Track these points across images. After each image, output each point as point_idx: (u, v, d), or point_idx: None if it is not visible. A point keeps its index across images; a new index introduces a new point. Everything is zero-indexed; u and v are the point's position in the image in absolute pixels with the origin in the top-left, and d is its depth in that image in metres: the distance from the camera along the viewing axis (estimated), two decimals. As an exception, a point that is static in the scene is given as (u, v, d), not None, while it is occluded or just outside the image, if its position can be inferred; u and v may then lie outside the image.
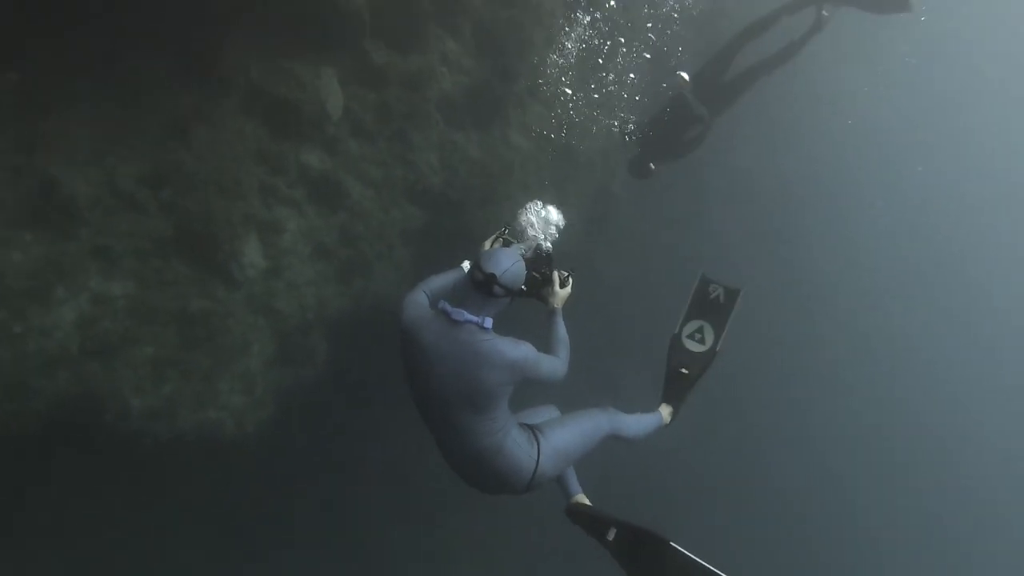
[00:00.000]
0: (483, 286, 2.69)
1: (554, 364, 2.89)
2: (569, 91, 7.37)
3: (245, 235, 5.23)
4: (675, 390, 3.80)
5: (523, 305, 3.12)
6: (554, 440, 2.96)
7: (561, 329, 3.09)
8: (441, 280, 3.10)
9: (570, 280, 3.21)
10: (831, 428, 15.45)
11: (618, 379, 9.95)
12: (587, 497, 3.39)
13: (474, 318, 2.68)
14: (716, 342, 3.84)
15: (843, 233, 16.50)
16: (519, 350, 2.67)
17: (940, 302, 19.90)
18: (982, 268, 21.64)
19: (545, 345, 3.00)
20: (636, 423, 3.45)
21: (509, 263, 2.73)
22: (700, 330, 3.88)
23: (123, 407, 4.97)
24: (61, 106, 4.69)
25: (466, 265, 3.24)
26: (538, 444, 2.89)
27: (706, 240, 12.32)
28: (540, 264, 3.11)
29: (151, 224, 4.95)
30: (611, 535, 2.92)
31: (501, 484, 2.86)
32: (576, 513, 3.21)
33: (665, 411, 3.80)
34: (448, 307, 2.73)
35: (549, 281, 3.15)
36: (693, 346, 3.85)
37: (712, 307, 3.92)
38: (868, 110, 15.55)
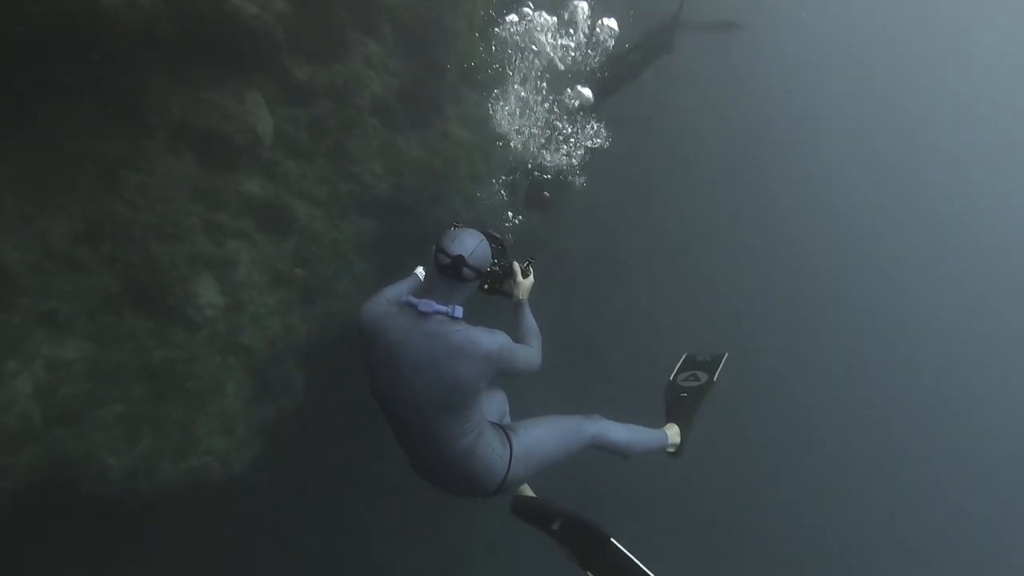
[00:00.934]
0: (450, 269, 2.48)
1: (529, 353, 2.75)
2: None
3: (196, 276, 5.09)
4: (679, 413, 3.64)
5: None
6: (527, 442, 2.81)
7: (530, 319, 2.97)
8: (397, 289, 2.86)
9: (531, 269, 3.06)
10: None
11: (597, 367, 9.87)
12: (531, 488, 3.28)
13: (443, 307, 2.50)
14: (713, 375, 3.77)
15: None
16: (495, 339, 2.50)
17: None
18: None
19: (515, 338, 2.85)
20: (628, 432, 3.21)
21: (475, 242, 2.54)
22: (694, 376, 3.84)
23: (100, 470, 4.82)
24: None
25: (420, 271, 3.07)
26: (510, 445, 2.76)
27: (669, 211, 12.39)
28: (497, 256, 2.91)
29: (95, 281, 4.79)
30: (555, 525, 2.88)
31: (471, 488, 2.73)
32: (521, 507, 3.07)
33: (671, 431, 3.52)
34: (413, 299, 2.53)
35: (511, 273, 2.99)
36: (689, 383, 3.79)
37: (701, 365, 3.92)
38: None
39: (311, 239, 5.78)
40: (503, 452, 2.72)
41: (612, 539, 2.83)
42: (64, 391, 4.69)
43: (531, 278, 3.04)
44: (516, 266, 3.01)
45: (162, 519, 5.47)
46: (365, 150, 6.07)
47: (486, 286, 2.91)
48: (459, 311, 2.54)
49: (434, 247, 2.55)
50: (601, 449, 3.13)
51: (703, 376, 3.77)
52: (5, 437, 4.50)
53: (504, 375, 2.64)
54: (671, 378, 3.88)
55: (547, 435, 2.91)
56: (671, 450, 3.47)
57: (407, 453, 2.75)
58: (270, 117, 5.41)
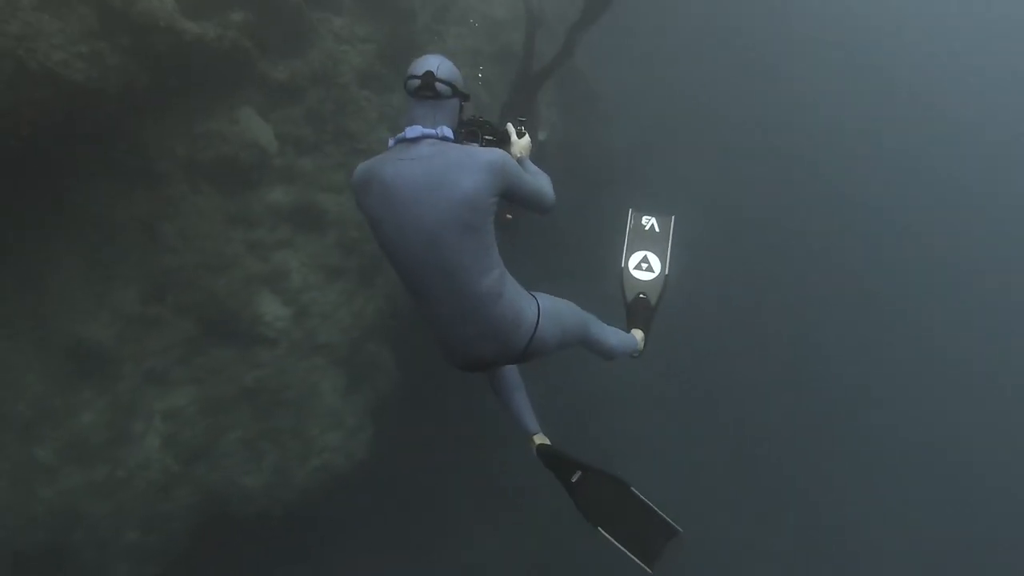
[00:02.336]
0: (424, 88, 2.41)
1: (539, 180, 2.68)
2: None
3: (256, 296, 5.36)
4: (639, 316, 3.71)
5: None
6: (551, 305, 2.71)
7: (533, 167, 2.86)
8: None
9: (524, 129, 2.95)
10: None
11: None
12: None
13: (431, 130, 2.41)
14: (664, 267, 3.81)
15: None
16: (492, 152, 2.41)
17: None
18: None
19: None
20: (615, 334, 3.28)
21: (437, 60, 2.48)
22: (645, 259, 3.83)
23: (242, 492, 5.29)
24: (43, 269, 4.90)
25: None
26: (536, 300, 2.65)
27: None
28: (483, 129, 2.81)
29: (174, 330, 5.14)
30: (575, 478, 2.90)
31: (501, 343, 2.52)
32: (548, 454, 3.01)
33: (638, 335, 3.62)
34: (398, 135, 2.46)
35: (506, 137, 2.85)
36: (642, 275, 3.79)
37: (650, 237, 3.89)
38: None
39: (347, 225, 5.92)
40: (530, 304, 2.61)
41: (632, 488, 2.91)
42: (186, 434, 5.13)
43: (526, 138, 2.91)
44: (510, 127, 2.90)
45: (316, 519, 5.94)
46: (366, 124, 6.10)
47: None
48: (447, 131, 2.45)
49: (404, 80, 2.51)
50: (590, 348, 3.19)
51: (655, 264, 3.77)
52: (157, 488, 5.01)
53: (514, 198, 2.56)
54: (623, 264, 3.87)
55: (566, 310, 2.86)
56: (635, 355, 3.60)
57: (434, 323, 2.56)
58: (267, 125, 5.51)
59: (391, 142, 2.49)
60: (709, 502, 8.62)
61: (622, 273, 3.83)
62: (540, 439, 3.02)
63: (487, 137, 2.78)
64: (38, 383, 4.82)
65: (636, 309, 3.71)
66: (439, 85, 2.43)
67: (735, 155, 13.37)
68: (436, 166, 2.34)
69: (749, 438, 10.39)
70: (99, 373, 4.94)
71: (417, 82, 2.43)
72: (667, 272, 3.78)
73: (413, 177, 2.34)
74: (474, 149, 2.41)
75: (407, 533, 6.82)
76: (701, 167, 12.54)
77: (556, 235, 8.53)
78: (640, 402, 9.61)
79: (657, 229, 3.89)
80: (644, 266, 3.78)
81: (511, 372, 3.10)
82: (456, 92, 2.50)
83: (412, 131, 2.41)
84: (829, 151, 15.18)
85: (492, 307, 2.45)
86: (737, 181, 13.00)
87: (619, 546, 2.80)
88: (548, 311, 2.65)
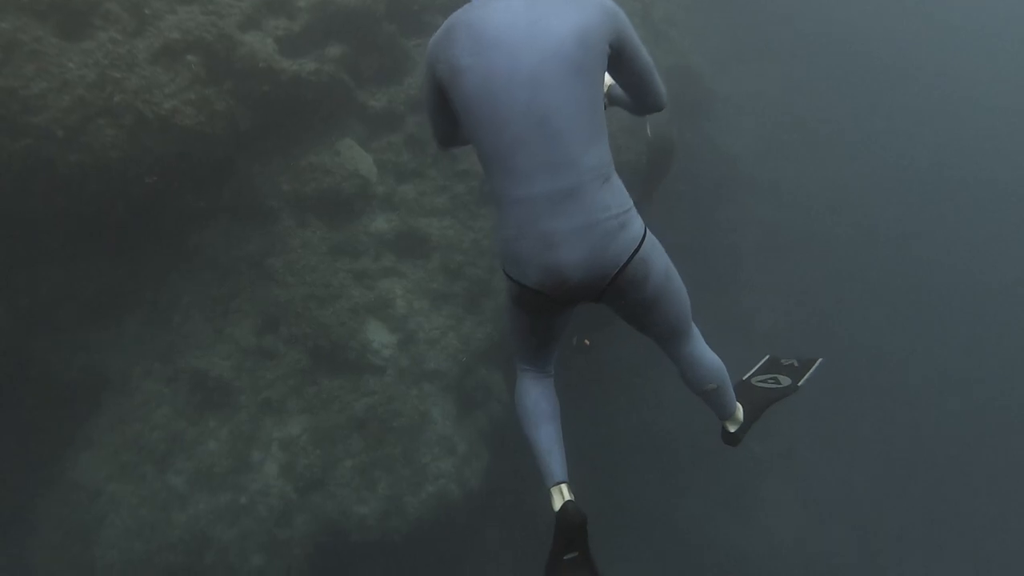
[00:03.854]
0: None
1: (652, 63, 2.20)
2: None
3: (363, 325, 5.40)
4: (752, 400, 2.88)
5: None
6: (653, 237, 2.17)
7: None
8: None
9: None
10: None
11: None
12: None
13: None
14: (798, 381, 2.94)
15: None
16: None
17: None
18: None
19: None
20: (715, 362, 2.49)
21: None
22: (774, 379, 2.95)
23: (358, 521, 5.30)
24: (168, 309, 5.24)
25: None
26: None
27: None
28: None
29: (287, 361, 5.29)
30: (570, 556, 2.25)
31: (597, 247, 1.97)
32: (572, 522, 2.29)
33: (738, 410, 2.69)
34: None
35: None
36: (766, 384, 2.96)
37: (787, 370, 3.04)
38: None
39: (452, 248, 5.86)
40: (637, 216, 2.11)
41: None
42: (302, 463, 5.24)
43: None
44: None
45: (431, 547, 5.86)
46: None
47: None
48: None
49: None
50: (677, 350, 2.47)
51: (785, 381, 2.92)
52: (277, 514, 5.14)
53: (625, 65, 2.11)
54: (744, 378, 3.04)
55: (676, 273, 2.29)
56: (732, 428, 2.68)
57: (516, 215, 2.00)
58: (367, 155, 5.59)
59: None
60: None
61: (738, 383, 2.98)
62: (567, 494, 2.30)
63: None
64: (170, 414, 5.13)
65: (749, 392, 2.91)
66: None
67: (861, 159, 12.10)
68: (537, 1, 1.95)
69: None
70: (220, 404, 5.18)
71: None
72: (800, 386, 2.94)
73: (511, 12, 1.94)
74: None
75: (524, 562, 6.60)
76: (823, 169, 11.44)
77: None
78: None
79: (797, 366, 3.04)
80: (771, 381, 2.90)
81: (549, 394, 2.49)
82: None
83: None
84: (962, 154, 13.33)
85: (596, 191, 1.96)
86: (864, 184, 11.74)
87: None
88: (655, 240, 2.16)
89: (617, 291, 2.08)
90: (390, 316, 5.53)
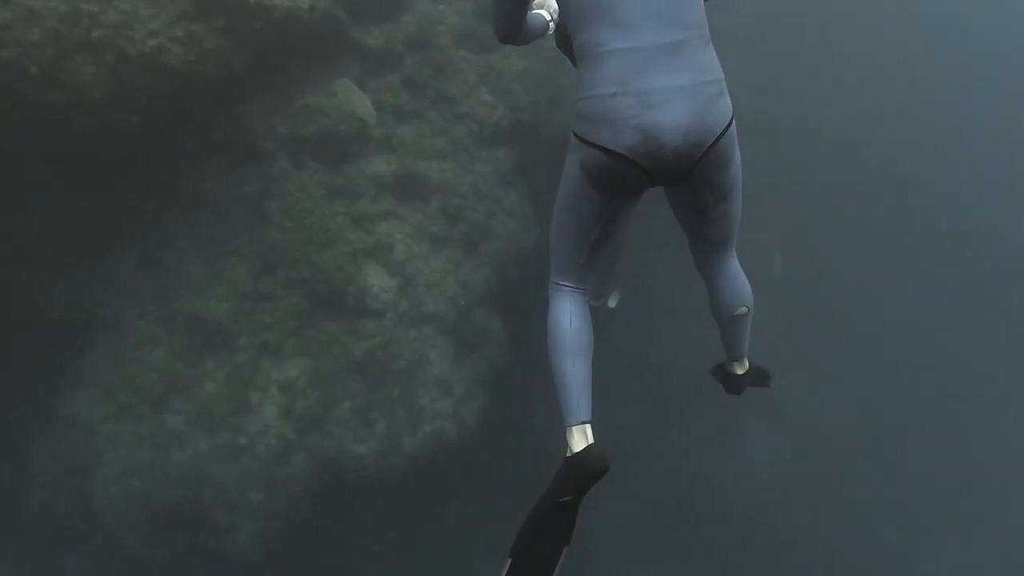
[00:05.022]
0: None
1: None
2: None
3: (362, 269, 5.38)
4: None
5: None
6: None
7: None
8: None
9: None
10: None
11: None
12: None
13: None
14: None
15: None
16: None
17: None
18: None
19: None
20: (746, 291, 2.41)
21: None
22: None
23: (356, 459, 5.41)
24: (162, 250, 5.18)
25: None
26: None
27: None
28: None
29: (285, 305, 5.29)
30: (567, 499, 2.23)
31: (700, 111, 1.87)
32: (593, 466, 2.12)
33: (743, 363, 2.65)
34: None
35: None
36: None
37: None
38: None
39: (451, 192, 5.80)
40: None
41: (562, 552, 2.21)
42: (300, 404, 5.30)
43: None
44: None
45: (426, 485, 6.00)
46: (465, 86, 5.89)
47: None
48: None
49: None
50: (719, 264, 2.39)
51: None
52: (276, 454, 5.23)
53: None
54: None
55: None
56: (739, 370, 2.64)
57: (620, 69, 1.88)
58: (365, 95, 5.45)
59: None
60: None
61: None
62: (591, 436, 2.14)
63: None
64: (166, 356, 5.14)
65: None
66: None
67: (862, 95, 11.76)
68: None
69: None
70: (218, 346, 5.19)
71: None
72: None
73: None
74: None
75: (518, 499, 6.78)
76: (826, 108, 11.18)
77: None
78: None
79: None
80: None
81: (588, 323, 2.28)
82: None
83: None
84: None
85: (701, 50, 1.89)
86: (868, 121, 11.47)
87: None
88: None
89: (702, 171, 1.96)
90: (389, 260, 5.50)
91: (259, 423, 5.22)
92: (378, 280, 5.47)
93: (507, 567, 2.12)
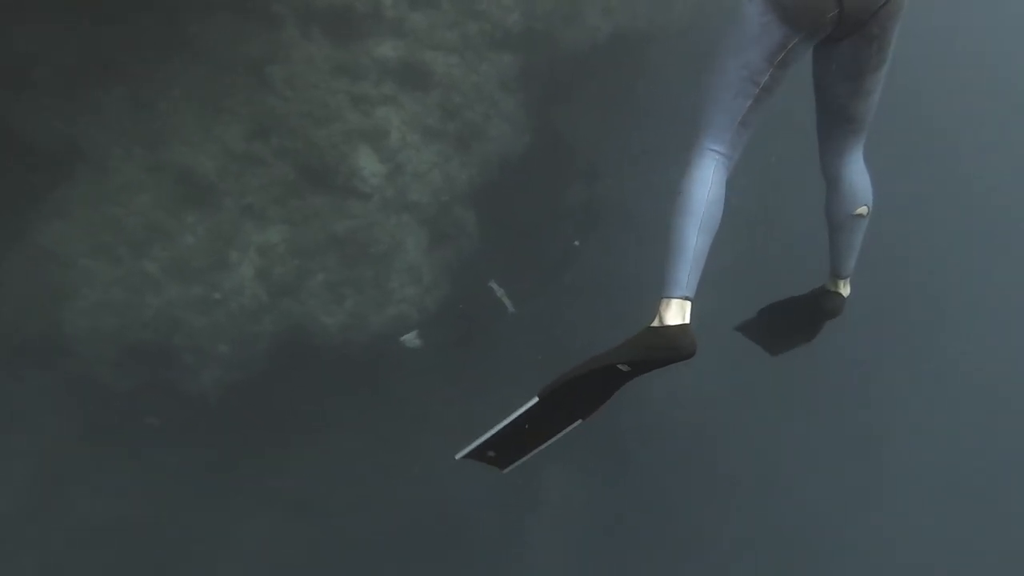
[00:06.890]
0: None
1: None
2: None
3: (355, 150, 5.44)
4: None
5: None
6: None
7: None
8: None
9: None
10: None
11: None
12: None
13: None
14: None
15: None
16: None
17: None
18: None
19: None
20: None
21: None
22: None
23: (322, 329, 5.73)
24: (157, 94, 5.08)
25: None
26: None
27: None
28: None
29: (274, 171, 5.35)
30: (627, 368, 2.09)
31: None
32: (682, 339, 2.04)
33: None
34: None
35: None
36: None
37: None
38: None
39: (452, 88, 5.81)
40: None
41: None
42: (277, 270, 5.50)
43: None
44: None
45: (386, 360, 6.38)
46: (487, -18, 5.74)
47: None
48: None
49: None
50: (847, 155, 2.36)
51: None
52: (248, 312, 5.48)
53: None
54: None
55: None
56: (844, 291, 2.60)
57: None
58: (384, -28, 5.27)
59: None
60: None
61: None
62: (687, 313, 2.04)
63: None
64: (149, 203, 5.18)
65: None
66: None
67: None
68: None
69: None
70: (202, 201, 5.25)
71: None
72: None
73: None
74: None
75: (470, 383, 7.24)
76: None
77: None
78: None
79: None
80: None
81: (723, 197, 2.19)
82: None
83: None
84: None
85: None
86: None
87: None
88: None
89: (879, 20, 1.98)
90: (383, 147, 5.57)
91: (235, 281, 5.40)
92: (369, 164, 5.56)
93: (530, 405, 2.11)
